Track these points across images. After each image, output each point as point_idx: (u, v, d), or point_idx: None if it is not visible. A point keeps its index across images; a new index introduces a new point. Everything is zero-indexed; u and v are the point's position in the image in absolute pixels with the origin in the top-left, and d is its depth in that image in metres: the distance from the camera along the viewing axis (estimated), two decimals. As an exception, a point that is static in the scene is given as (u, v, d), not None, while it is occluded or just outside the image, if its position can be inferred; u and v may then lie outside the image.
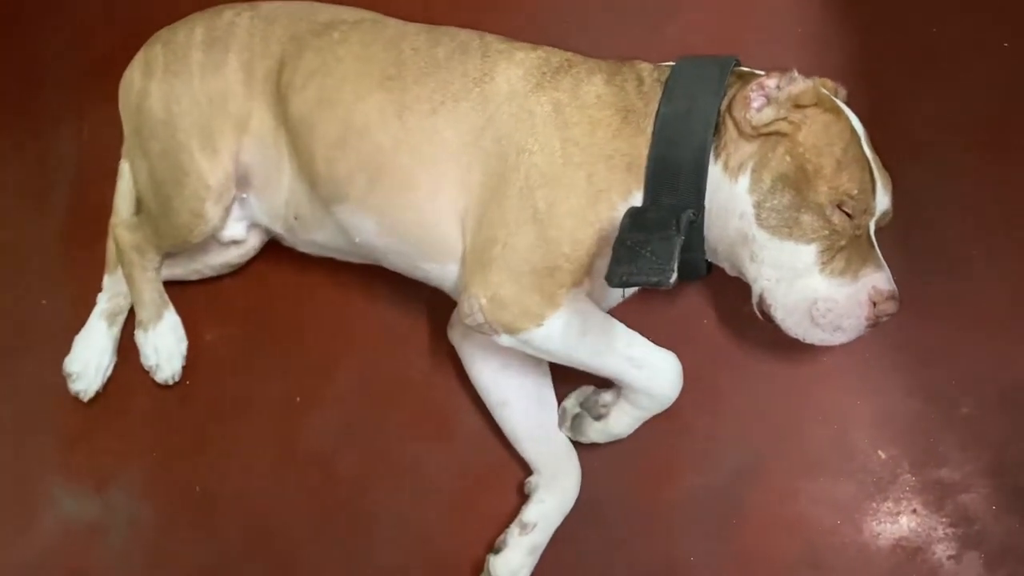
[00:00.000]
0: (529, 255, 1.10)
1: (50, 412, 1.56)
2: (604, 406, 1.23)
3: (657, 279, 0.98)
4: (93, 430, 1.54)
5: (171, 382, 1.49)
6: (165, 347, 1.48)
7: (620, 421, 1.21)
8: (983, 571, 1.19)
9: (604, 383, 1.24)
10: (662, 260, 0.98)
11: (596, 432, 1.24)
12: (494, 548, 1.27)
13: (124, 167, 1.49)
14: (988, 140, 1.27)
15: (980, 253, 1.25)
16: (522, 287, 1.11)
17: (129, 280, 1.47)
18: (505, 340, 1.15)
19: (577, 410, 1.27)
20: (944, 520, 1.21)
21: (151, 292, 1.46)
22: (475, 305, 1.12)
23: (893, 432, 1.24)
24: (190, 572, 1.45)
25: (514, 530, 1.26)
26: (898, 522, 1.22)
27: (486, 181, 1.14)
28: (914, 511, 1.22)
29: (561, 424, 1.28)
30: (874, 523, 1.22)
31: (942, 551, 1.21)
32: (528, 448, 1.29)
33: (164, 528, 1.48)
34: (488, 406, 1.32)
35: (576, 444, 1.28)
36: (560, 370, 1.27)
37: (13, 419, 1.59)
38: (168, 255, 1.46)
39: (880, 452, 1.24)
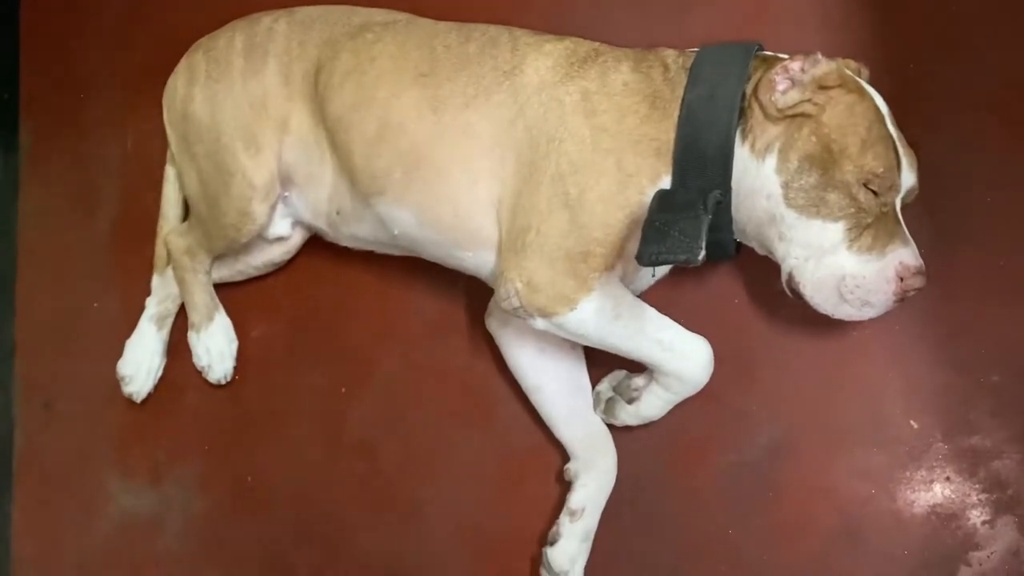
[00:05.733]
0: (562, 240, 1.12)
1: (106, 410, 1.60)
2: (636, 390, 1.25)
3: (686, 256, 1.00)
4: (147, 427, 1.58)
5: (223, 382, 1.52)
6: (216, 348, 1.51)
7: (652, 404, 1.23)
8: (1018, 535, 1.20)
9: (637, 367, 1.25)
10: (690, 238, 1.01)
11: (629, 415, 1.26)
12: (548, 540, 1.28)
13: (170, 172, 1.53)
14: (1011, 113, 1.27)
15: (1006, 225, 1.25)
16: (556, 272, 1.13)
17: (181, 284, 1.51)
18: (540, 324, 1.17)
19: (610, 394, 1.29)
20: (977, 486, 1.22)
21: (202, 295, 1.50)
22: (511, 290, 1.15)
23: (924, 402, 1.25)
24: (244, 560, 1.49)
25: (564, 519, 1.27)
26: (932, 490, 1.23)
27: (519, 170, 1.17)
28: (947, 479, 1.23)
29: (595, 408, 1.31)
30: (908, 492, 1.24)
31: (976, 517, 1.22)
32: (564, 432, 1.32)
33: (218, 518, 1.52)
34: (525, 391, 1.34)
35: (613, 427, 1.30)
36: (594, 354, 1.29)
37: (71, 418, 1.63)
38: (218, 257, 1.49)
39: (912, 422, 1.25)
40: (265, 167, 1.33)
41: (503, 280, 1.16)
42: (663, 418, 1.25)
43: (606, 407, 1.29)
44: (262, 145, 1.33)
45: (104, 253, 1.67)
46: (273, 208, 1.38)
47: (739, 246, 1.21)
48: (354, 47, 1.28)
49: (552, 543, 1.28)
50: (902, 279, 1.07)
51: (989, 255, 1.25)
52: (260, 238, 1.43)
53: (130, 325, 1.57)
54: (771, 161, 1.10)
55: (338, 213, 1.35)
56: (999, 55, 1.29)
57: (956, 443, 1.24)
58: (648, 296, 1.25)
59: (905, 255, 1.07)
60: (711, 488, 1.31)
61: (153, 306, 1.56)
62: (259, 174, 1.33)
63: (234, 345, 1.53)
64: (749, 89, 1.12)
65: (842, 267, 1.08)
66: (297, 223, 1.44)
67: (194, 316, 1.51)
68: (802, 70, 1.09)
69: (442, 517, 1.41)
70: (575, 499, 1.28)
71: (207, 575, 1.51)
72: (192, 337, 1.52)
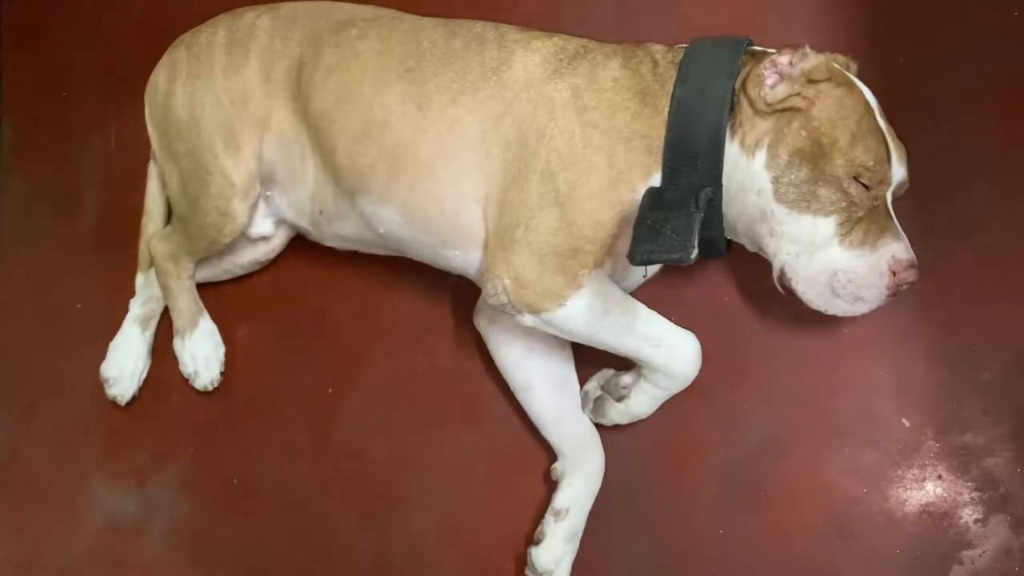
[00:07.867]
0: (551, 237, 1.11)
1: (90, 412, 1.58)
2: (624, 387, 1.24)
3: (678, 256, 0.99)
4: (132, 428, 1.56)
5: (210, 388, 1.50)
6: (202, 354, 1.49)
7: (640, 401, 1.22)
8: (1010, 533, 1.19)
9: (626, 366, 1.25)
10: (682, 237, 1.00)
11: (618, 413, 1.25)
12: (533, 540, 1.27)
13: (153, 169, 1.51)
14: (1001, 107, 1.27)
15: (998, 219, 1.25)
16: (545, 268, 1.12)
17: (165, 290, 1.49)
18: (528, 320, 1.16)
19: (599, 393, 1.29)
20: (969, 485, 1.22)
21: (186, 300, 1.49)
22: (499, 286, 1.14)
23: (916, 400, 1.24)
24: (230, 562, 1.47)
25: (549, 519, 1.26)
26: (924, 488, 1.22)
27: (507, 167, 1.15)
28: (939, 477, 1.23)
29: (584, 407, 1.30)
30: (900, 490, 1.23)
31: (968, 515, 1.21)
32: (552, 431, 1.31)
33: (204, 521, 1.50)
34: (513, 391, 1.33)
35: (602, 427, 1.29)
36: (582, 353, 1.28)
37: (55, 419, 1.61)
38: (201, 260, 1.47)
39: (904, 420, 1.24)
40: (244, 165, 1.32)
41: (490, 276, 1.15)
42: (653, 417, 1.24)
43: (595, 407, 1.28)
44: (242, 143, 1.31)
45: (87, 253, 1.66)
46: (254, 207, 1.36)
47: (729, 243, 1.20)
48: (337, 43, 1.26)
49: (537, 543, 1.27)
50: (895, 273, 1.07)
51: (982, 249, 1.25)
52: (243, 237, 1.41)
53: (114, 325, 1.55)
54: (761, 157, 1.09)
55: (321, 212, 1.33)
56: (988, 49, 1.29)
57: (948, 441, 1.23)
58: (638, 294, 1.24)
59: (897, 249, 1.07)
60: (701, 487, 1.30)
61: (137, 307, 1.55)
62: (238, 172, 1.32)
63: (220, 351, 1.51)
64: (738, 84, 1.11)
65: (834, 262, 1.07)
66: (280, 222, 1.43)
67: (178, 322, 1.49)
68: (791, 64, 1.08)
69: (430, 517, 1.40)
70: (560, 499, 1.26)
71: (193, 579, 1.50)
72: (177, 344, 1.50)
